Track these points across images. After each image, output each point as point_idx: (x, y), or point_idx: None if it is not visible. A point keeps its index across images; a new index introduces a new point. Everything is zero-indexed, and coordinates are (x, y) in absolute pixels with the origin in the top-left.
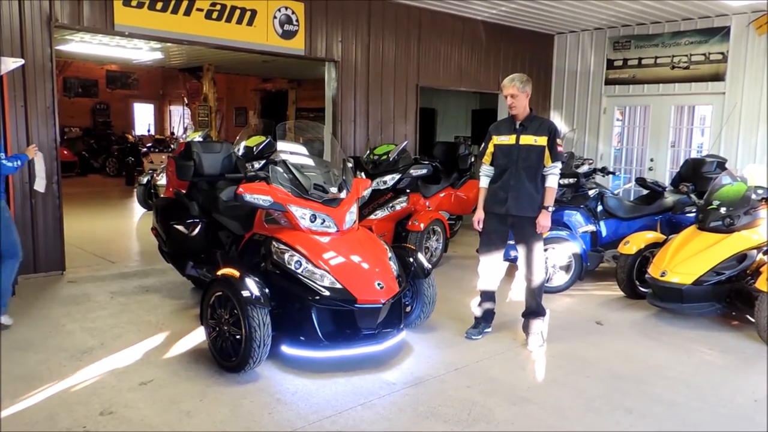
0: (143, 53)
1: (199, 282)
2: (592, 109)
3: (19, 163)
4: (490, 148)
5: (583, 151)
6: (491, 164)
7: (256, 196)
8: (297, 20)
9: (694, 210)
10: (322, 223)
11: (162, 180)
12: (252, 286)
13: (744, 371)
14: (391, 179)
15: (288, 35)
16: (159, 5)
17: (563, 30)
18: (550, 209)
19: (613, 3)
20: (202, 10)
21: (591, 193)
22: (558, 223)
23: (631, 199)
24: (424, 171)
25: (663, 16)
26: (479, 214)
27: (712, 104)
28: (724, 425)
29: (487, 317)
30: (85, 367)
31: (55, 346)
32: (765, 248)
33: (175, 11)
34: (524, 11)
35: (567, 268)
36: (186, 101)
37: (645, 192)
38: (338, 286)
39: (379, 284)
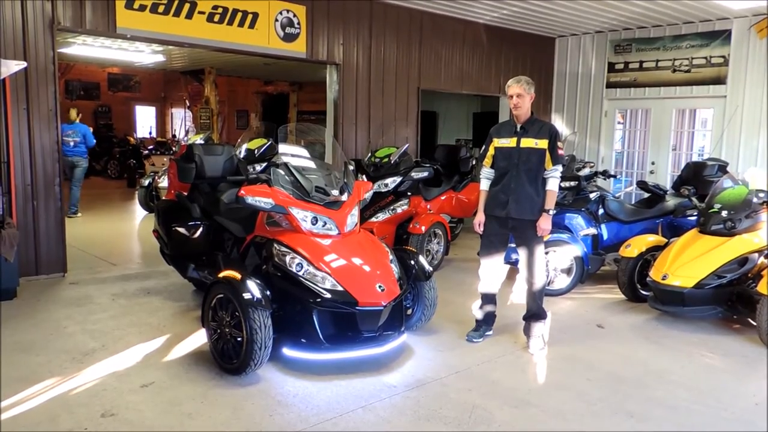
0: (145, 56)
1: (201, 284)
2: (593, 112)
3: None
4: (491, 151)
5: (584, 154)
6: (492, 167)
7: (258, 198)
8: (298, 23)
9: (695, 213)
10: (323, 226)
11: (163, 182)
12: (253, 289)
13: (745, 374)
14: (392, 182)
15: (289, 38)
16: (161, 8)
17: (564, 33)
18: (551, 212)
19: (614, 6)
20: (203, 13)
21: (592, 196)
22: (559, 226)
23: (633, 202)
24: (426, 174)
25: (664, 19)
26: (480, 217)
27: (714, 107)
28: (725, 428)
29: (488, 320)
30: (87, 369)
31: (56, 347)
32: (766, 252)
33: (176, 14)
34: (525, 14)
35: (568, 271)
36: (187, 104)
37: (646, 195)
38: (339, 288)
39: (380, 287)
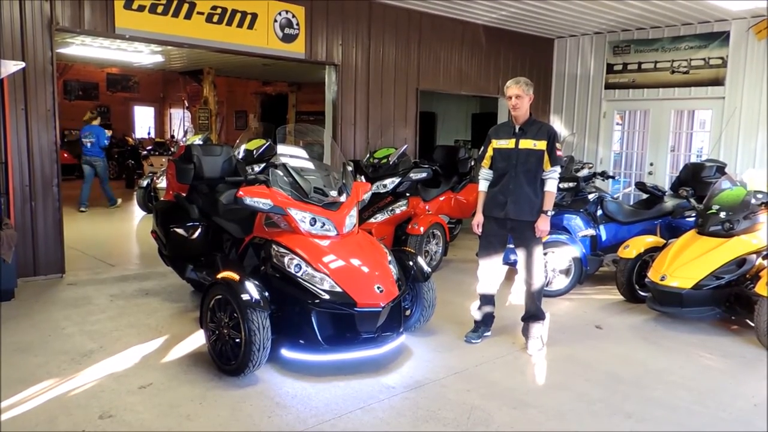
0: (144, 56)
1: (199, 285)
2: (591, 113)
3: None
4: (490, 152)
5: (582, 155)
6: (490, 168)
7: (256, 199)
8: (297, 24)
9: (693, 214)
10: (322, 227)
11: (162, 183)
12: (252, 290)
13: (744, 375)
14: (391, 183)
15: (288, 39)
16: (160, 8)
17: (563, 34)
18: (550, 213)
19: (612, 7)
20: (202, 13)
21: (591, 197)
22: (558, 227)
23: (631, 203)
24: (424, 174)
25: (663, 20)
26: (478, 218)
27: (712, 109)
28: (724, 429)
29: (486, 321)
30: (85, 370)
31: (54, 349)
32: (764, 253)
33: (175, 14)
34: (524, 15)
35: (567, 272)
36: (186, 104)
37: (645, 196)
38: (338, 289)
39: (378, 288)
